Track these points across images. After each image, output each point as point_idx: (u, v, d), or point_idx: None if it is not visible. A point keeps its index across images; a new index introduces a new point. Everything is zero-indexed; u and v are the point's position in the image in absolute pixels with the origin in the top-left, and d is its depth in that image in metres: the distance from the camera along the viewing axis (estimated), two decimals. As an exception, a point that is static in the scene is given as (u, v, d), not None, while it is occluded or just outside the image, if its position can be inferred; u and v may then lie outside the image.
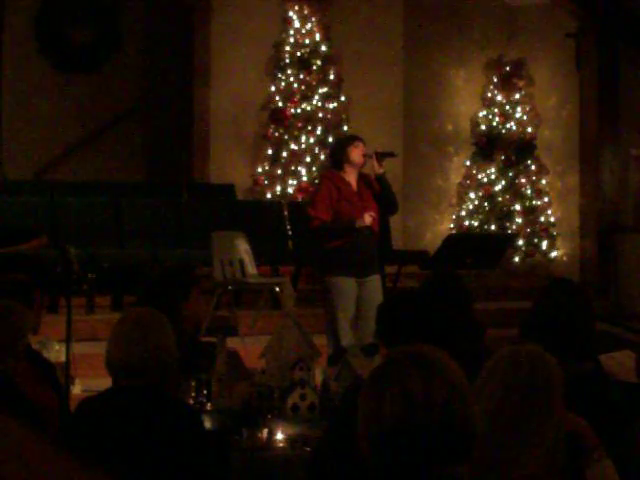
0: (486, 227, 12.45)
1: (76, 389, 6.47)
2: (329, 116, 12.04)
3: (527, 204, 12.46)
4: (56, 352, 6.55)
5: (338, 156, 7.27)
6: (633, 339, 8.04)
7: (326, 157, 11.61)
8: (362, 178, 7.29)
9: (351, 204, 7.10)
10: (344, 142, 7.43)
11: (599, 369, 3.88)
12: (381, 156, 7.31)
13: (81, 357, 6.55)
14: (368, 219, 7.00)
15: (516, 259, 12.35)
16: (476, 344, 4.45)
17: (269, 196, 11.82)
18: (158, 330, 3.55)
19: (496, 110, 12.66)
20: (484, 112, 12.72)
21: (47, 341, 6.68)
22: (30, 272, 5.27)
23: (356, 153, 7.17)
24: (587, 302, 3.87)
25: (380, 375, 2.19)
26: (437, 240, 9.92)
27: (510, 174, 12.52)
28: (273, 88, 12.00)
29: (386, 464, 2.13)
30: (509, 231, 12.22)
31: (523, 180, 12.49)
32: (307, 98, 11.98)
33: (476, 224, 12.50)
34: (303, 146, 11.91)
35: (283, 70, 12.00)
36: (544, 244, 12.45)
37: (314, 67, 12.04)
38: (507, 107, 12.65)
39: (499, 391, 2.81)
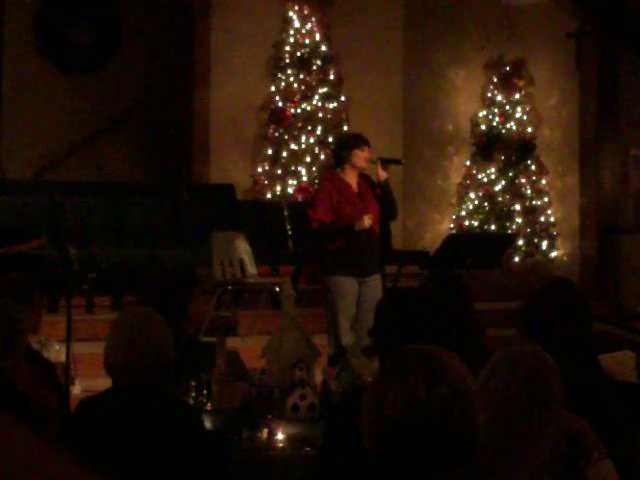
0: (486, 227, 12.44)
1: (76, 389, 6.46)
2: (329, 116, 12.03)
3: (527, 204, 12.45)
4: (56, 352, 6.54)
5: (342, 155, 7.14)
6: (633, 339, 8.03)
7: (327, 156, 11.60)
8: (363, 178, 7.24)
9: (352, 205, 7.06)
10: (351, 143, 7.18)
11: (599, 369, 3.88)
12: (386, 162, 7.18)
13: (81, 357, 6.55)
14: (367, 222, 6.94)
15: (516, 259, 12.35)
16: (475, 344, 4.45)
17: (269, 196, 11.82)
18: (155, 330, 3.54)
19: (496, 110, 12.66)
20: (484, 112, 12.72)
21: (47, 341, 6.67)
22: (30, 272, 5.28)
23: (361, 157, 7.04)
24: (585, 302, 3.87)
25: (385, 373, 2.20)
26: (437, 240, 9.90)
27: (510, 174, 12.52)
28: (273, 88, 11.99)
29: (387, 462, 2.13)
30: (509, 231, 12.21)
31: (523, 180, 12.48)
32: (307, 98, 11.98)
33: (476, 224, 12.50)
34: (303, 146, 11.90)
35: (283, 70, 12.00)
36: (544, 244, 12.44)
37: (314, 67, 12.04)
38: (507, 107, 12.64)
39: (499, 391, 2.81)
